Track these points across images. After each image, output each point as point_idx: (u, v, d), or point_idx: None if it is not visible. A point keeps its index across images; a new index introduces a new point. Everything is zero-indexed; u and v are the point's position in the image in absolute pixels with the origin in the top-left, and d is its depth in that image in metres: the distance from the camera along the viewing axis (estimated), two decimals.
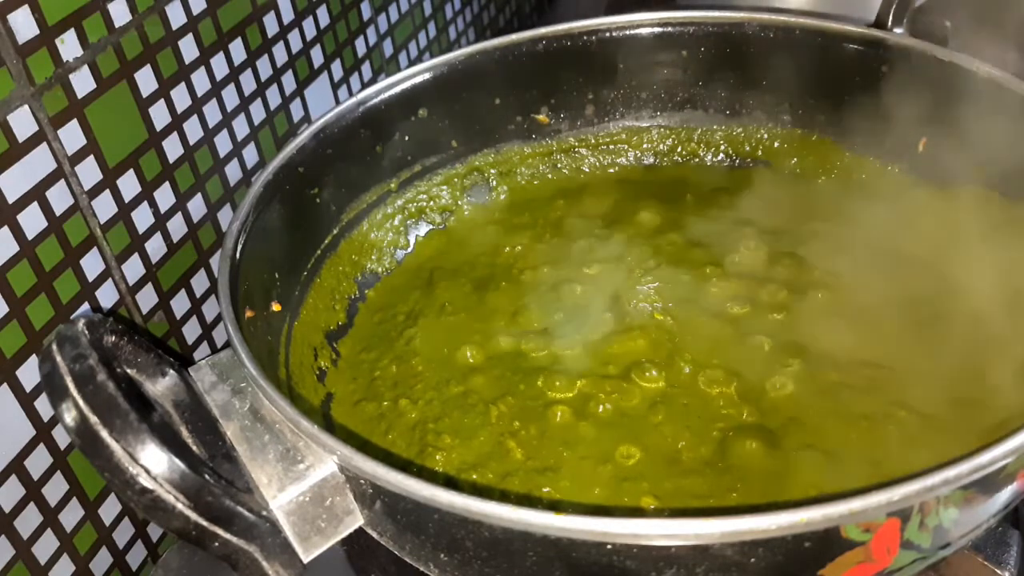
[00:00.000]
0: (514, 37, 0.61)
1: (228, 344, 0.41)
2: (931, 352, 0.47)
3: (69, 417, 0.34)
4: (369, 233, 0.59)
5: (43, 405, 0.45)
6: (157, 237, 0.52)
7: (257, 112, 0.60)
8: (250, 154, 0.60)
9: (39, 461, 0.45)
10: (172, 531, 0.35)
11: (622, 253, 0.56)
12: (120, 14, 0.47)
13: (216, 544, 0.35)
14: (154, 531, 0.54)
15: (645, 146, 0.67)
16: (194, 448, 0.39)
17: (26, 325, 0.44)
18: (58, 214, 0.45)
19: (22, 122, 0.42)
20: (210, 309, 0.57)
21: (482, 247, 0.60)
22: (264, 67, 0.60)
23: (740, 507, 0.41)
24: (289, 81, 0.63)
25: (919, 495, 0.30)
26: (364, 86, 0.67)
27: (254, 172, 0.60)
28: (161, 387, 0.41)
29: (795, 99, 0.62)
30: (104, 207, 0.48)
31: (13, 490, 0.44)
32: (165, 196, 0.52)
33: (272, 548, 0.36)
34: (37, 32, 0.43)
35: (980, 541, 0.44)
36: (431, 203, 0.63)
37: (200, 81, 0.54)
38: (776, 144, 0.64)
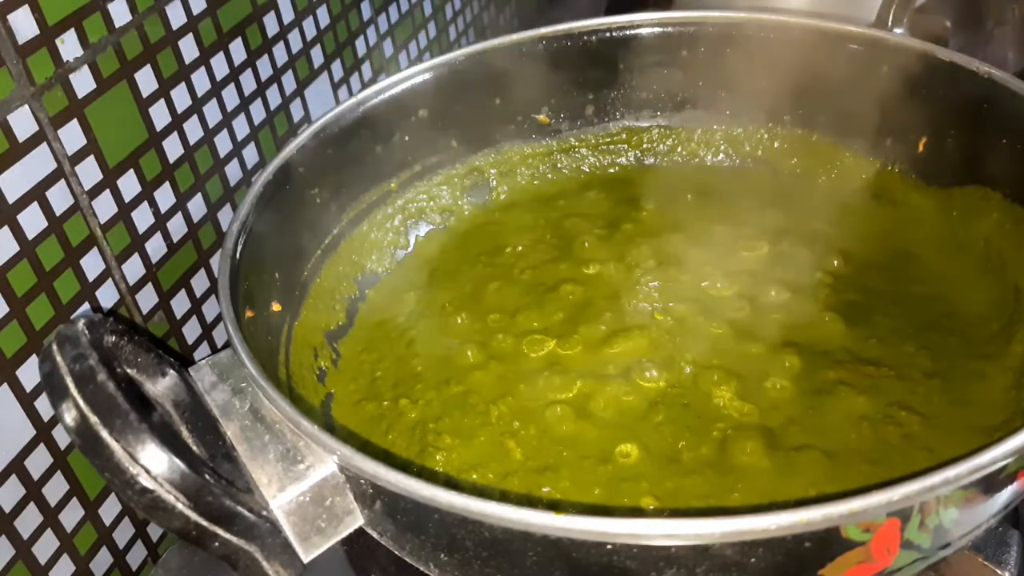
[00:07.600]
0: (514, 37, 0.61)
1: (228, 344, 0.41)
2: (931, 352, 0.47)
3: (69, 417, 0.34)
4: (369, 233, 0.59)
5: (43, 405, 0.45)
6: (157, 237, 0.52)
7: (257, 112, 0.60)
8: (250, 154, 0.60)
9: (39, 461, 0.45)
10: (172, 531, 0.35)
11: (622, 253, 0.56)
12: (120, 14, 0.47)
13: (216, 544, 0.35)
14: (154, 531, 0.54)
15: (645, 146, 0.67)
16: (194, 448, 0.39)
17: (26, 325, 0.44)
18: (58, 214, 0.45)
19: (22, 122, 0.42)
20: (210, 309, 0.57)
21: (482, 247, 0.60)
22: (264, 67, 0.60)
23: (740, 507, 0.41)
24: (289, 81, 0.63)
25: (919, 495, 0.30)
26: (364, 86, 0.67)
27: (254, 172, 0.60)
28: (161, 387, 0.41)
29: (795, 99, 0.62)
30: (104, 207, 0.48)
31: (13, 490, 0.44)
32: (165, 196, 0.52)
33: (272, 548, 0.36)
34: (37, 32, 0.43)
35: (980, 541, 0.44)
36: (431, 203, 0.62)
37: (200, 81, 0.54)
38: (776, 144, 0.64)
